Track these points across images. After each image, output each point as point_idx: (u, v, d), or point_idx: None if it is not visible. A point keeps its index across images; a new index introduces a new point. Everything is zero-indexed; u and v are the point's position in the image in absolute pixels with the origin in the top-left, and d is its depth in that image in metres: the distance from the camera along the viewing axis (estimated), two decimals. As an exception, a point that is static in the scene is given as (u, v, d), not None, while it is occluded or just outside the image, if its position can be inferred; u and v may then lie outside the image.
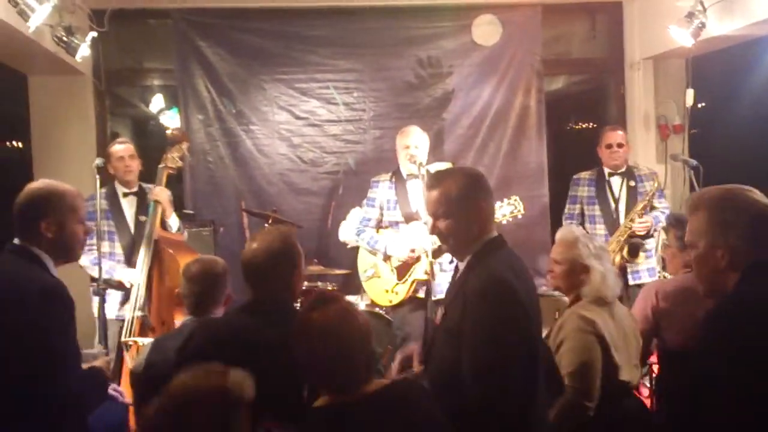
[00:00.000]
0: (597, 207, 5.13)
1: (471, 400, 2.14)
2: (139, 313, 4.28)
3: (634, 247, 4.84)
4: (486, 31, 6.06)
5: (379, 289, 4.73)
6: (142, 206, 4.64)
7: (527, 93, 6.12)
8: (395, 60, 6.04)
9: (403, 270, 4.63)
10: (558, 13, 6.29)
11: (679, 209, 5.23)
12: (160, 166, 4.62)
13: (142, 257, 4.38)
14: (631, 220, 4.89)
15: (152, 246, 4.38)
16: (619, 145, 5.11)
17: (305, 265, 2.65)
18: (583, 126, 7.90)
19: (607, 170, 5.17)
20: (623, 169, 5.14)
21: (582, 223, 5.15)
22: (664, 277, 5.53)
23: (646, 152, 6.32)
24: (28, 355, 2.41)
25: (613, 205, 5.08)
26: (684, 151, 6.11)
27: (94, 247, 4.28)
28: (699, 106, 6.03)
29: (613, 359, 2.87)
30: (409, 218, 4.67)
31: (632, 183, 5.07)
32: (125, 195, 4.67)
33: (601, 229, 5.08)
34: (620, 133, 5.20)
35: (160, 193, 4.51)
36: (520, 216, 4.49)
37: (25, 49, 4.79)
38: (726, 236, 2.01)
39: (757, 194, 2.07)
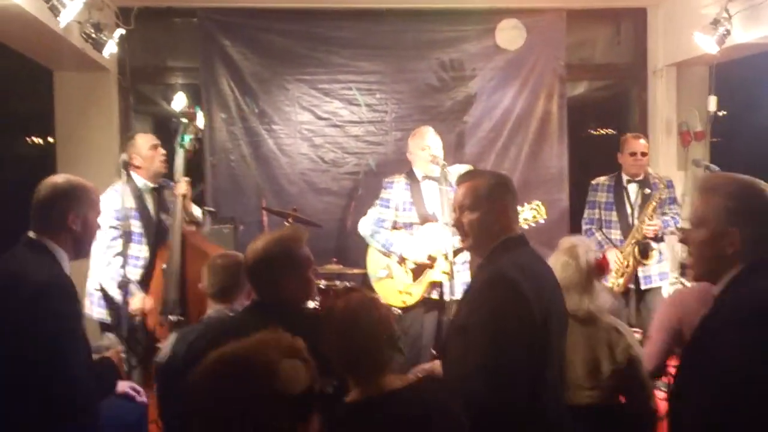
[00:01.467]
0: (614, 213, 5.17)
1: (474, 394, 2.16)
2: (173, 318, 4.01)
3: (644, 247, 4.88)
4: (510, 35, 6.06)
5: (392, 290, 4.73)
6: (162, 203, 4.50)
7: (549, 98, 6.12)
8: (418, 62, 6.06)
9: (419, 271, 4.64)
10: (582, 18, 6.29)
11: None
12: (183, 148, 4.43)
13: (177, 257, 4.18)
14: (641, 222, 4.94)
15: (180, 244, 4.19)
16: (643, 154, 5.14)
17: (314, 267, 2.66)
18: (604, 132, 7.88)
19: (625, 177, 5.20)
20: (641, 177, 5.17)
21: (600, 228, 5.22)
22: (682, 284, 5.53)
23: (667, 159, 6.31)
24: (34, 349, 2.40)
25: (629, 210, 5.13)
26: (705, 158, 6.09)
27: (131, 249, 4.17)
28: (720, 114, 6.01)
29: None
30: (425, 220, 4.67)
31: (648, 191, 5.10)
32: (150, 191, 4.45)
33: (617, 234, 5.12)
34: (643, 142, 5.22)
35: (185, 186, 4.32)
36: (542, 221, 4.48)
37: (53, 45, 4.84)
38: (742, 225, 1.99)
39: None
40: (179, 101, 6.47)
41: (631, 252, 4.92)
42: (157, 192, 4.52)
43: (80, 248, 2.71)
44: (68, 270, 2.65)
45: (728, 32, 4.94)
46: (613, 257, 4.91)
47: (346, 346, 2.04)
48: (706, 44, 5.08)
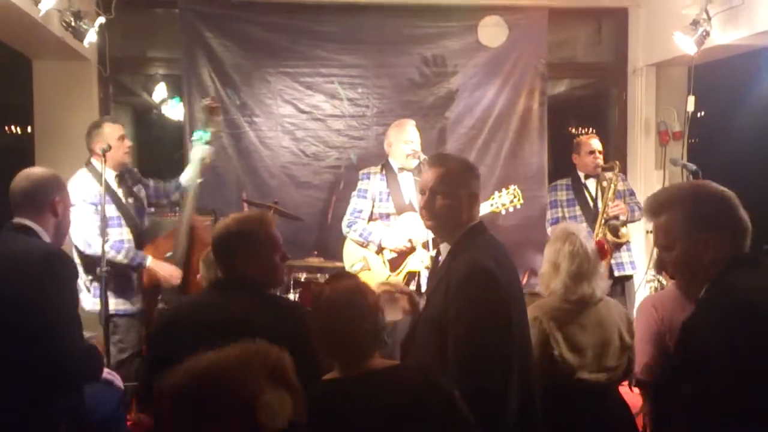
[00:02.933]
0: (577, 207, 5.33)
1: (462, 387, 2.16)
2: None
3: (613, 227, 5.04)
4: (492, 32, 6.09)
5: (370, 282, 4.72)
6: (128, 189, 4.48)
7: (531, 95, 6.15)
8: (400, 57, 6.07)
9: (396, 262, 4.67)
10: (564, 17, 6.33)
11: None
12: (203, 140, 4.50)
13: (182, 248, 4.27)
14: (605, 206, 5.08)
15: (189, 234, 4.27)
16: (600, 152, 5.33)
17: (283, 253, 2.65)
18: (584, 131, 7.94)
19: (582, 174, 5.38)
20: (597, 173, 5.35)
21: None
22: (660, 283, 5.60)
23: (646, 158, 6.37)
24: (35, 319, 2.48)
25: (591, 203, 5.30)
26: (683, 157, 6.15)
27: (110, 235, 4.18)
28: (699, 114, 6.08)
29: (563, 358, 2.89)
30: (402, 210, 4.70)
31: (604, 183, 5.25)
32: (114, 177, 4.39)
33: (583, 227, 5.17)
34: (597, 140, 5.42)
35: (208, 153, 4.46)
36: (519, 206, 4.52)
37: (33, 33, 4.78)
38: (707, 229, 2.01)
39: (718, 185, 2.10)
40: (160, 92, 6.48)
41: (604, 234, 5.04)
42: (121, 178, 4.47)
43: (59, 234, 2.82)
44: None
45: (707, 33, 5.00)
46: None
47: (328, 329, 2.06)
48: (686, 45, 5.14)
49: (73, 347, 2.56)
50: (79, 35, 4.85)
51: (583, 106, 7.70)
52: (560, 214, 5.37)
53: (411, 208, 4.67)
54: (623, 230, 5.07)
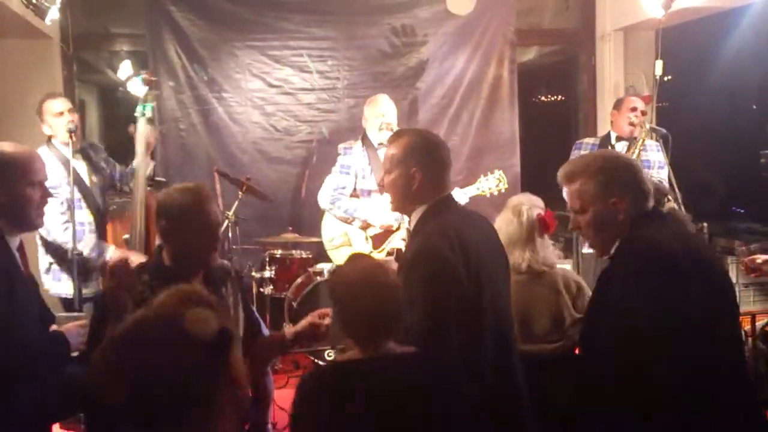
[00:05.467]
0: None
1: None
2: None
3: None
4: (460, 0, 6.05)
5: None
6: (93, 165, 4.36)
7: (500, 63, 6.15)
8: (370, 28, 6.02)
9: (380, 239, 4.65)
10: (531, -17, 6.32)
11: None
12: (145, 116, 4.31)
13: (139, 229, 4.09)
14: None
15: (143, 210, 4.10)
16: (643, 113, 5.02)
17: (219, 226, 2.62)
18: (554, 98, 7.98)
19: (614, 135, 5.09)
20: (632, 136, 5.01)
21: None
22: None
23: (616, 123, 6.40)
24: None
25: None
26: (652, 121, 6.19)
27: (70, 223, 3.98)
28: (666, 78, 6.12)
29: None
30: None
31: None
32: (75, 155, 4.08)
33: (538, 201, 4.94)
34: (642, 100, 5.08)
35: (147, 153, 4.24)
36: (503, 190, 4.57)
37: (-8, 11, 4.67)
38: (621, 190, 2.29)
39: (622, 154, 2.42)
40: (125, 70, 6.33)
41: None
42: (84, 154, 4.33)
43: (14, 219, 2.57)
44: (13, 244, 2.56)
45: (675, -4, 5.02)
46: None
47: (352, 308, 2.04)
48: (653, 8, 5.17)
49: (17, 341, 2.39)
50: (41, 13, 4.73)
51: (552, 72, 7.73)
52: None
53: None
54: None
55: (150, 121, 4.36)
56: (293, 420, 2.03)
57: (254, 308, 2.74)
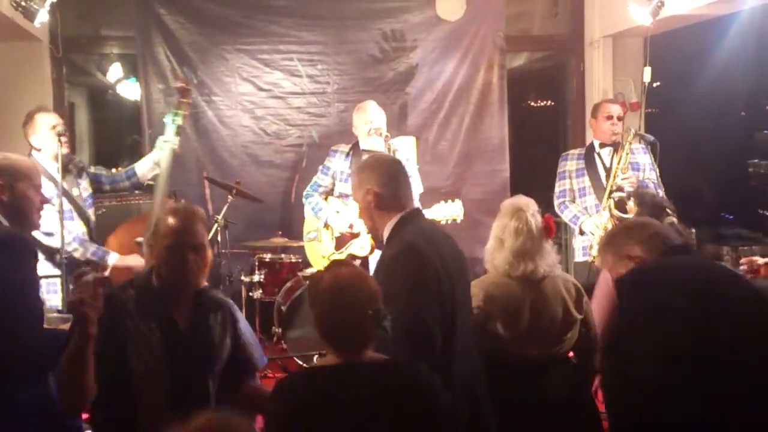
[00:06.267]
0: (586, 178, 4.83)
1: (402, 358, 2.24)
2: None
3: (619, 200, 4.51)
4: (450, 5, 6.07)
5: (317, 253, 4.88)
6: (72, 179, 4.22)
7: (490, 69, 6.16)
8: (360, 33, 6.03)
9: (342, 242, 4.74)
10: (521, -11, 6.35)
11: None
12: (175, 123, 4.29)
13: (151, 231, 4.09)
14: (614, 177, 4.60)
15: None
16: (619, 119, 4.87)
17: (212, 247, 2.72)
18: (543, 104, 8.01)
19: (597, 143, 4.91)
20: (615, 142, 4.86)
21: (573, 199, 4.86)
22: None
23: (604, 129, 6.43)
24: None
25: (603, 173, 4.78)
26: (641, 128, 6.23)
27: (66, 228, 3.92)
28: (655, 85, 6.16)
29: (496, 331, 2.92)
30: None
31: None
32: (57, 169, 3.99)
33: (591, 199, 4.78)
34: (618, 106, 5.00)
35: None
36: (458, 221, 4.53)
37: (-20, 14, 4.66)
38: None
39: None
40: (115, 72, 6.34)
41: (609, 208, 4.56)
42: (65, 169, 4.15)
43: (17, 220, 2.69)
44: None
45: (662, 4, 5.04)
46: (592, 225, 4.63)
47: (332, 315, 2.05)
48: (641, 16, 5.19)
49: (29, 334, 2.43)
50: (30, 15, 4.71)
51: (542, 78, 7.76)
52: (568, 186, 4.87)
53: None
54: (630, 204, 4.37)
55: (179, 129, 4.32)
56: (264, 418, 2.10)
57: (253, 345, 2.66)
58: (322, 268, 2.86)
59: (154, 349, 2.31)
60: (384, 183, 2.59)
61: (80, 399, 2.20)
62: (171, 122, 4.31)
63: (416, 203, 4.54)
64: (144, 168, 4.39)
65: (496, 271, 3.03)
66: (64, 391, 2.22)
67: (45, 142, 4.10)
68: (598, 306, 3.14)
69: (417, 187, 4.66)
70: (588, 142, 5.18)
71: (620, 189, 4.53)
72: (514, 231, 2.99)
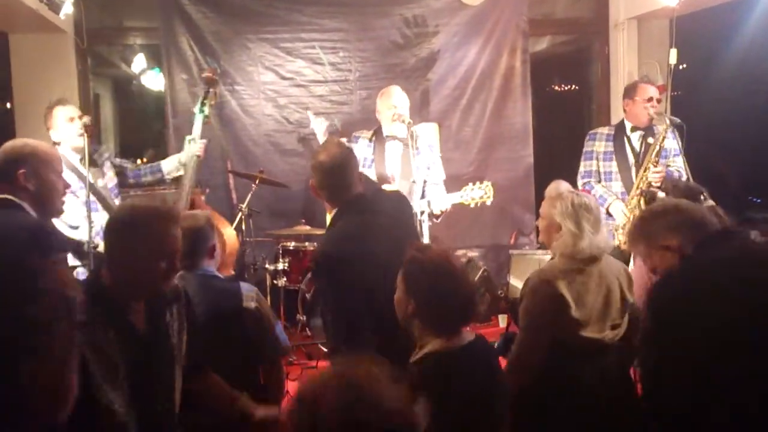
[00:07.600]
0: (614, 163, 4.66)
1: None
2: None
3: (651, 197, 4.33)
4: (472, -11, 6.04)
5: None
6: (97, 170, 4.17)
7: (513, 53, 6.13)
8: (381, 19, 6.02)
9: None
10: (544, -28, 6.28)
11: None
12: (202, 114, 4.32)
13: None
14: (645, 170, 4.46)
15: (188, 207, 4.14)
16: (658, 101, 4.69)
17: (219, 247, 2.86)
18: (567, 88, 7.94)
19: (629, 125, 4.72)
20: (646, 125, 4.69)
21: (599, 181, 4.70)
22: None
23: (629, 113, 6.37)
24: (23, 303, 2.39)
25: (632, 159, 4.62)
26: (667, 111, 6.16)
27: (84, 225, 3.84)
28: (681, 67, 6.08)
29: (571, 317, 2.81)
30: (383, 179, 4.63)
31: (650, 140, 4.65)
32: (80, 161, 3.99)
33: (618, 186, 4.64)
34: (656, 87, 4.84)
35: (201, 147, 4.28)
36: (488, 202, 4.45)
37: (8, 6, 4.72)
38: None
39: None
40: (139, 63, 6.39)
41: (637, 204, 4.43)
42: (90, 159, 4.12)
43: (42, 208, 2.69)
44: None
45: (688, -16, 4.98)
46: (619, 211, 4.51)
47: (444, 293, 2.04)
48: (667, -3, 5.12)
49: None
50: (55, 7, 4.78)
51: (565, 62, 7.67)
52: (594, 167, 4.70)
53: (391, 180, 4.59)
54: (661, 195, 4.25)
55: (207, 118, 4.36)
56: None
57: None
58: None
59: (112, 357, 2.07)
60: (322, 183, 2.78)
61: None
62: (198, 112, 4.34)
63: (440, 187, 4.57)
64: (170, 166, 4.41)
65: (561, 256, 2.90)
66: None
67: (64, 135, 4.07)
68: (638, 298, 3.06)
69: (439, 174, 4.64)
70: (616, 123, 5.02)
71: (650, 185, 4.41)
72: (571, 212, 2.88)
